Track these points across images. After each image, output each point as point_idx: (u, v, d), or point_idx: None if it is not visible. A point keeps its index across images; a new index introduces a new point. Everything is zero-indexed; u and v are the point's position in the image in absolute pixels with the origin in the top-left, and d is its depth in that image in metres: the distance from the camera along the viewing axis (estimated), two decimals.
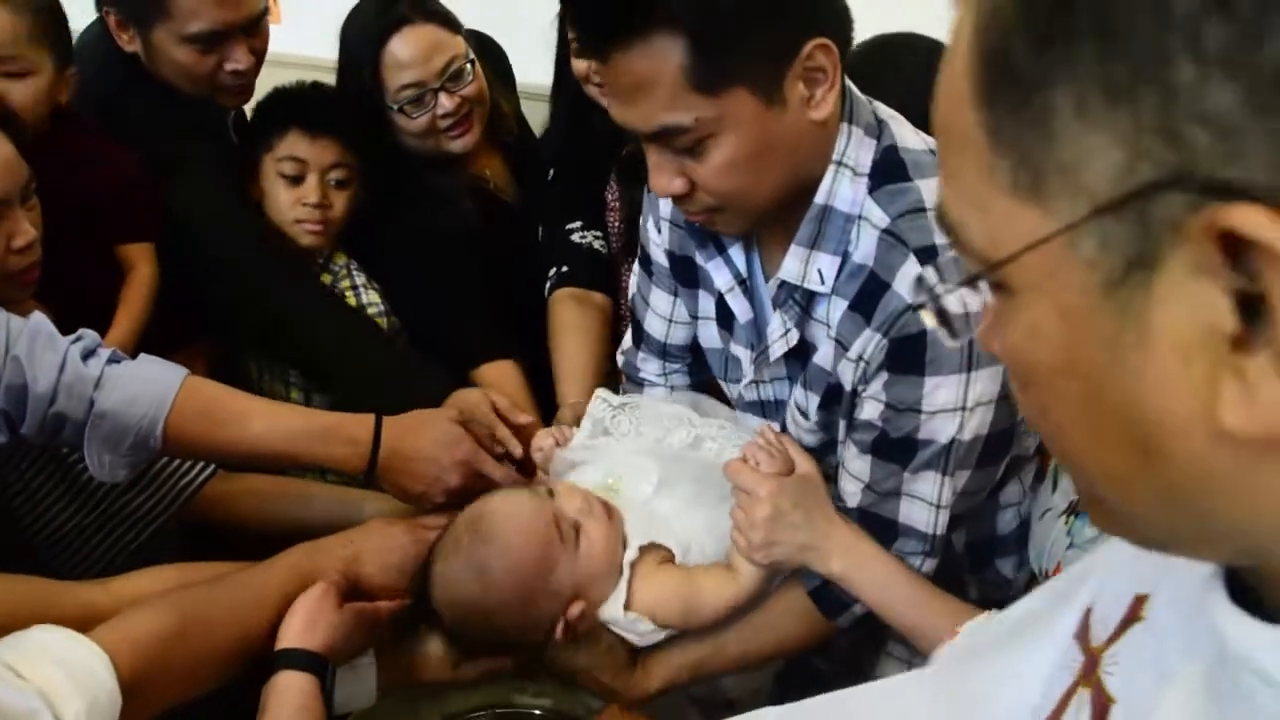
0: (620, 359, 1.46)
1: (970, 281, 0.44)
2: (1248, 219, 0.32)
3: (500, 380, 1.57)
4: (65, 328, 1.52)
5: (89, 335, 1.11)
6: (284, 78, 1.68)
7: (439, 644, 1.10)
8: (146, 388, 1.07)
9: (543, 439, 1.28)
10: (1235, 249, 0.33)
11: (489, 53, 1.82)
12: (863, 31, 1.10)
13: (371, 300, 1.68)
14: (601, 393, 1.29)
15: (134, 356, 1.56)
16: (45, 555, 1.16)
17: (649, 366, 1.40)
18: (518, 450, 1.28)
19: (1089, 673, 0.53)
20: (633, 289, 1.39)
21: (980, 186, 0.40)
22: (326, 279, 1.67)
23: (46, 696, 0.74)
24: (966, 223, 0.42)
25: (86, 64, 1.62)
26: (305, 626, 0.98)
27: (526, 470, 1.28)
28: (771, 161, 1.01)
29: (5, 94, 1.44)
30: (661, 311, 1.34)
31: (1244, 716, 0.42)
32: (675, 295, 1.32)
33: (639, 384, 1.42)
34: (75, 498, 1.18)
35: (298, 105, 1.63)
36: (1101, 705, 0.51)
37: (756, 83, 0.96)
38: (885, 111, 1.09)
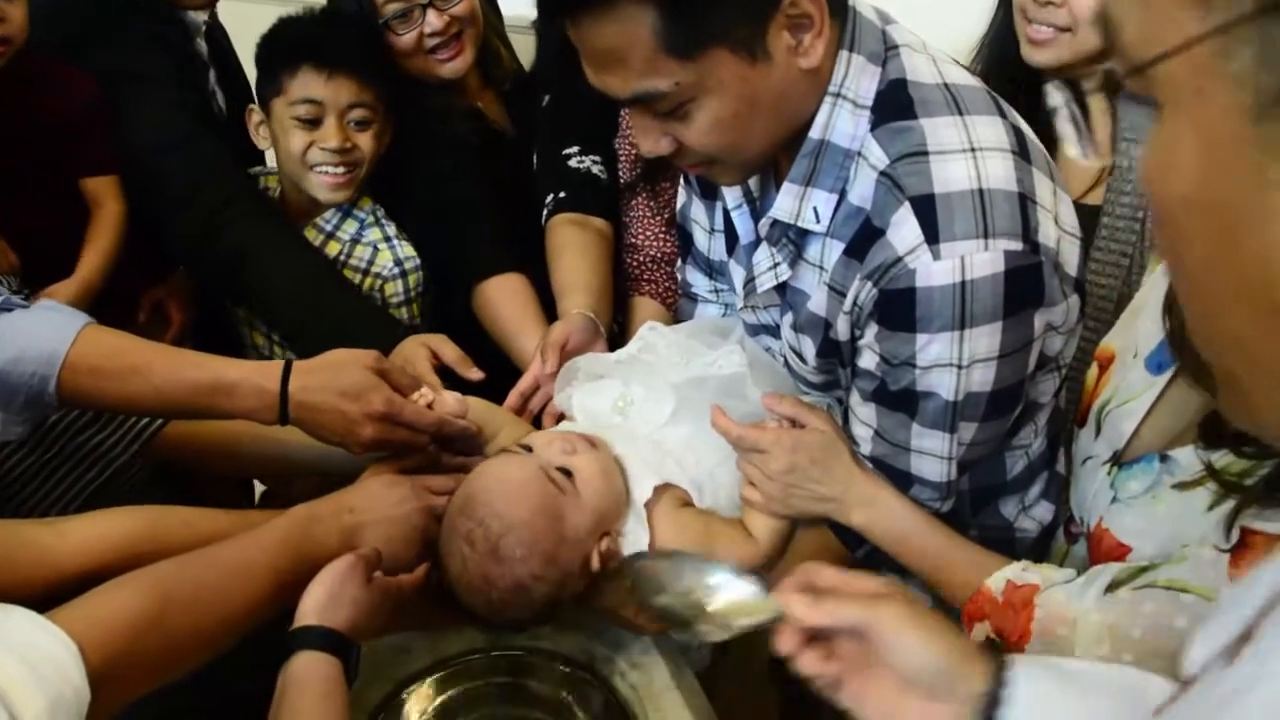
0: (678, 275, 1.45)
1: (1113, 85, 0.40)
2: None
3: (508, 294, 1.52)
4: (26, 269, 1.44)
5: None
6: (277, 15, 1.54)
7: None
8: (35, 344, 0.98)
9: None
10: None
11: None
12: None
13: (407, 254, 1.57)
14: (653, 322, 1.30)
15: (103, 297, 1.50)
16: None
17: (698, 281, 1.39)
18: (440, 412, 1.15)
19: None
20: (680, 203, 1.36)
21: None
22: (351, 226, 1.57)
23: (3, 694, 0.66)
24: (1126, 20, 0.38)
25: None
26: (329, 602, 0.90)
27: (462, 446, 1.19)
28: (759, 116, 0.97)
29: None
30: (703, 223, 1.30)
31: None
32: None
33: (692, 299, 1.41)
34: (30, 434, 1.09)
35: (308, 40, 1.49)
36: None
37: (737, 40, 0.91)
38: (903, 37, 1.03)
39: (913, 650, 0.71)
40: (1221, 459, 0.83)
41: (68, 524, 0.94)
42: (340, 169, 1.50)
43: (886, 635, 0.71)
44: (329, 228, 1.57)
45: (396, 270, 1.56)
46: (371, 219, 1.58)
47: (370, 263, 1.56)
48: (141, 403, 1.04)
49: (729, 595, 0.81)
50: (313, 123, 1.47)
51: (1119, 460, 0.95)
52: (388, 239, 1.57)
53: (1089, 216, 1.53)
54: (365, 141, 1.51)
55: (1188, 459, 0.87)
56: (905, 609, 0.73)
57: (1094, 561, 0.95)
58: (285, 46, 1.49)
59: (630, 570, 0.84)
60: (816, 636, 0.74)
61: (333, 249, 1.57)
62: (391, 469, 1.11)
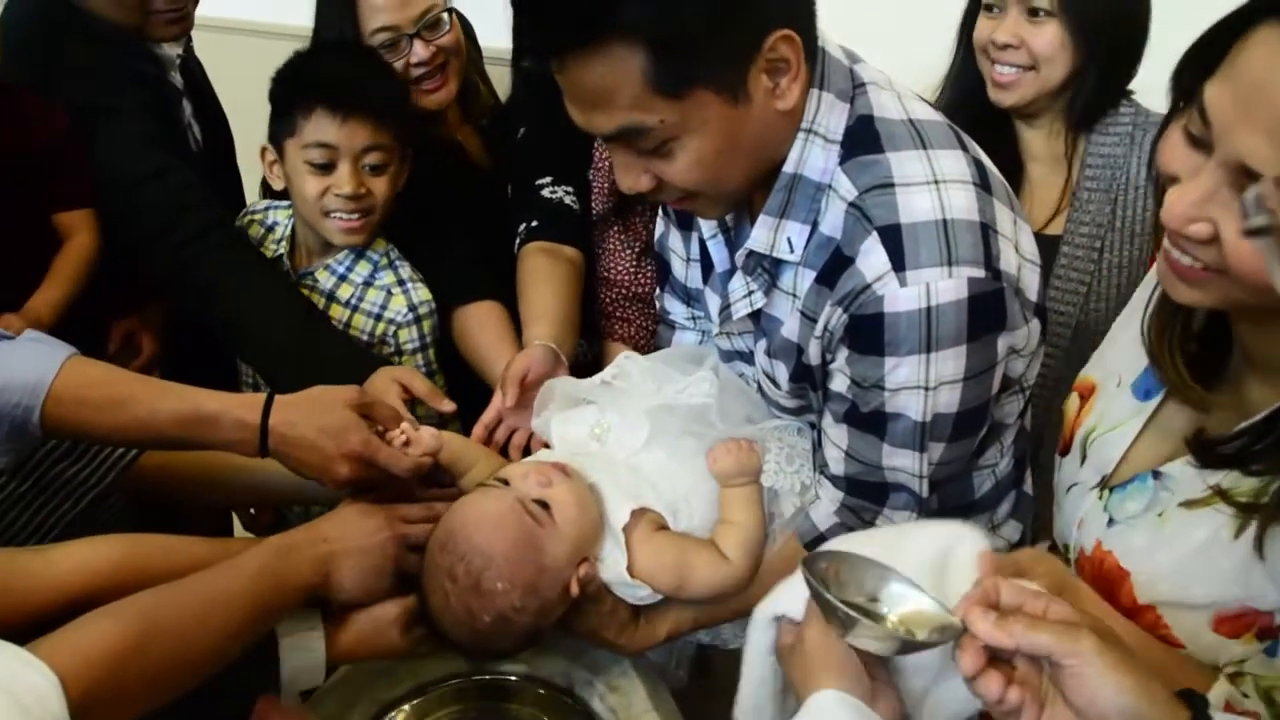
0: (656, 304, 1.46)
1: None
2: None
3: (483, 321, 1.53)
4: None
5: None
6: (256, 48, 1.55)
7: (394, 613, 1.06)
8: (20, 374, 0.98)
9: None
10: None
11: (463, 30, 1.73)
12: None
13: (421, 298, 1.53)
14: (629, 351, 1.32)
15: (62, 325, 1.48)
16: None
17: (676, 309, 1.40)
18: (419, 450, 1.14)
19: None
20: (658, 232, 1.38)
21: None
22: (364, 268, 1.53)
23: None
24: None
25: (12, 17, 1.51)
26: None
27: (436, 479, 1.20)
28: (739, 154, 1.00)
29: None
30: (680, 253, 1.32)
31: None
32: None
33: (670, 325, 1.43)
34: (17, 467, 1.09)
35: (323, 81, 1.43)
36: None
37: (721, 82, 0.94)
38: (869, 74, 1.06)
39: (1108, 691, 0.65)
40: (1228, 479, 0.82)
41: (55, 552, 0.94)
42: (354, 215, 1.46)
43: (1082, 671, 0.66)
44: (341, 269, 1.53)
45: (411, 316, 1.52)
46: (385, 261, 1.54)
47: (383, 307, 1.52)
48: (125, 433, 1.04)
49: (908, 606, 0.77)
50: (326, 167, 1.42)
51: (1107, 484, 0.95)
52: (401, 282, 1.53)
53: (1049, 246, 1.56)
54: (379, 186, 1.46)
55: (1182, 473, 0.87)
56: (1103, 644, 0.67)
57: None
58: (300, 86, 1.44)
59: (810, 569, 0.78)
60: (996, 657, 0.70)
61: (344, 292, 1.53)
62: (367, 498, 1.11)
